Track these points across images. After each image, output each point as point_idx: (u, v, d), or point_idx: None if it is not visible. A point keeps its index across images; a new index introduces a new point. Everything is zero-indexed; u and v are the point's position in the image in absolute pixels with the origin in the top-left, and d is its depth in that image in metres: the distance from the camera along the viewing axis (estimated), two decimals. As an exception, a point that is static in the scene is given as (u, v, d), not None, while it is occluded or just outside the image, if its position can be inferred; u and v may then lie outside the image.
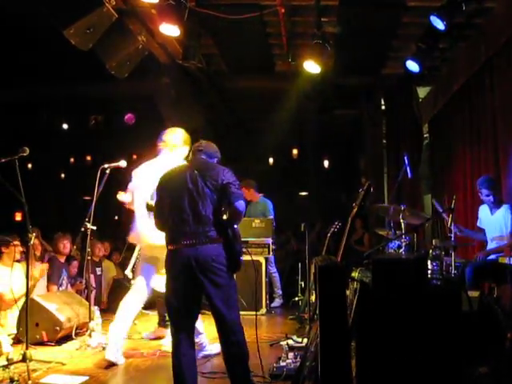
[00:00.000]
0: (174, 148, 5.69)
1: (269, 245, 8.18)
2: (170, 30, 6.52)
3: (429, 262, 4.17)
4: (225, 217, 4.17)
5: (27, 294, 5.38)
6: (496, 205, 6.27)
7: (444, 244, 5.29)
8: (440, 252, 4.39)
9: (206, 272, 4.04)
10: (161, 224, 4.40)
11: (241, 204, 4.15)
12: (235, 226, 4.29)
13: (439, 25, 6.62)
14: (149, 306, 8.11)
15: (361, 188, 3.53)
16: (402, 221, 5.76)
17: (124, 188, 5.87)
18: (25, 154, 5.12)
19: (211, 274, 4.05)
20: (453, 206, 5.50)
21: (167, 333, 5.94)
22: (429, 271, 4.04)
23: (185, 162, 4.66)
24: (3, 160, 4.99)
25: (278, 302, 8.92)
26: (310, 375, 3.08)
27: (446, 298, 3.44)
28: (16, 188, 4.94)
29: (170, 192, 4.30)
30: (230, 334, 4.12)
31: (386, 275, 3.13)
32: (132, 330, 6.80)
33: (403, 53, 8.51)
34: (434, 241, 4.97)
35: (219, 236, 4.13)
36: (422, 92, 10.38)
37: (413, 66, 7.88)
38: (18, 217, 12.91)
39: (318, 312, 2.82)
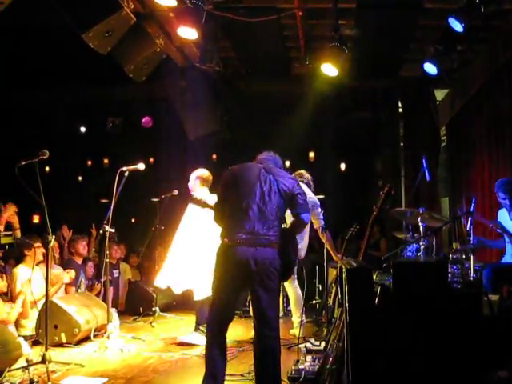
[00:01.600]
0: None
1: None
2: (187, 33, 6.54)
3: (448, 266, 4.15)
4: (287, 225, 4.29)
5: (47, 296, 5.42)
6: (513, 208, 6.19)
7: (464, 247, 5.25)
8: (460, 255, 4.36)
9: (262, 274, 4.04)
10: (220, 216, 4.39)
11: (307, 216, 4.27)
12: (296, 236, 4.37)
13: (457, 27, 6.57)
14: (166, 308, 8.19)
15: (381, 191, 3.53)
16: (420, 224, 5.74)
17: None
18: (44, 157, 5.16)
19: (265, 277, 4.05)
20: (472, 209, 5.46)
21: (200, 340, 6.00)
22: (449, 274, 4.02)
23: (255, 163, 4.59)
24: (23, 162, 5.03)
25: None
26: (330, 378, 3.06)
27: (467, 301, 3.42)
28: (35, 191, 4.98)
29: (238, 187, 4.28)
30: (268, 329, 4.12)
31: (406, 278, 3.11)
32: (150, 331, 6.85)
33: (421, 55, 8.46)
34: (454, 244, 4.93)
35: (277, 241, 4.14)
36: (440, 94, 10.32)
37: (430, 68, 7.84)
38: (36, 219, 13.00)
39: (344, 314, 2.79)
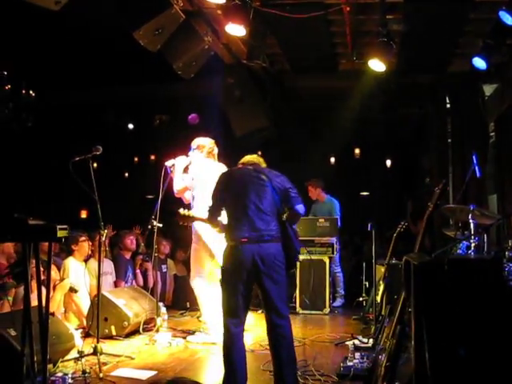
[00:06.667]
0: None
1: (333, 244, 8.13)
2: (235, 29, 6.58)
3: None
4: (284, 217, 4.44)
5: (98, 288, 5.53)
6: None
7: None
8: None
9: (269, 269, 4.20)
10: (217, 221, 4.59)
11: (301, 207, 4.51)
12: (294, 226, 4.56)
13: (508, 20, 6.44)
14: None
15: (436, 187, 3.50)
16: (470, 221, 5.65)
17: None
18: (98, 153, 5.27)
19: (272, 271, 4.21)
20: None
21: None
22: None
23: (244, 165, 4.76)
24: (77, 158, 5.14)
25: (339, 301, 8.86)
26: (384, 375, 3.05)
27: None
28: (88, 186, 5.09)
29: (233, 189, 4.50)
30: (279, 318, 4.25)
31: (461, 276, 3.06)
32: (197, 325, 6.91)
33: (469, 50, 8.31)
34: (510, 241, 4.84)
35: (278, 235, 4.33)
36: (488, 89, 10.10)
37: (480, 63, 7.69)
38: (84, 214, 13.27)
39: (412, 311, 2.76)
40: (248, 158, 4.78)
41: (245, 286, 4.26)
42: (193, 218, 5.12)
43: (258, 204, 4.33)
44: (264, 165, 4.75)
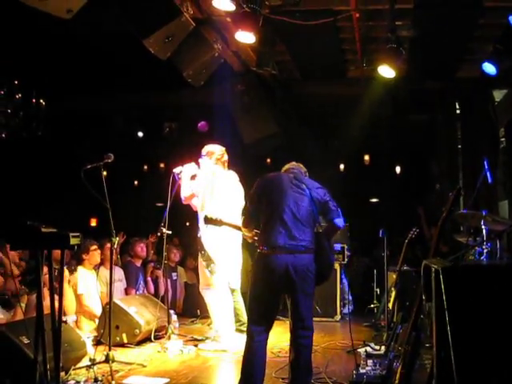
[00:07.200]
0: None
1: (344, 251, 8.11)
2: (245, 37, 6.59)
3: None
4: (320, 230, 4.37)
5: (110, 296, 5.53)
6: None
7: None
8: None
9: (301, 281, 4.15)
10: (252, 224, 4.52)
11: (340, 221, 4.41)
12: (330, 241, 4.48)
13: (518, 25, 6.43)
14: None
15: (450, 192, 3.49)
16: (483, 227, 5.62)
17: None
18: (110, 161, 5.28)
19: (304, 283, 4.17)
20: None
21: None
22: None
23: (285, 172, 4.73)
24: (89, 166, 5.14)
25: (349, 308, 8.84)
26: (399, 382, 3.02)
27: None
28: (99, 193, 5.09)
29: (270, 194, 4.40)
30: (305, 329, 4.24)
31: (486, 281, 3.01)
32: (208, 333, 6.89)
33: (479, 55, 8.28)
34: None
35: (313, 246, 4.25)
36: (498, 95, 10.08)
37: (490, 68, 7.66)
38: (93, 223, 13.28)
39: (434, 316, 2.74)
40: (290, 165, 4.72)
41: (274, 295, 4.23)
42: (221, 223, 5.12)
43: (295, 212, 4.25)
44: (306, 174, 4.70)
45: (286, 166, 4.72)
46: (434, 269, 2.79)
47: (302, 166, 4.74)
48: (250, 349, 4.23)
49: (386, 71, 7.53)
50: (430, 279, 2.82)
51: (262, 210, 4.39)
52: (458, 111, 10.40)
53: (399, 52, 7.14)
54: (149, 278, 8.27)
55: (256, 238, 4.48)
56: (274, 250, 4.18)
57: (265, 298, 4.21)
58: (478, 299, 2.70)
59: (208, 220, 5.11)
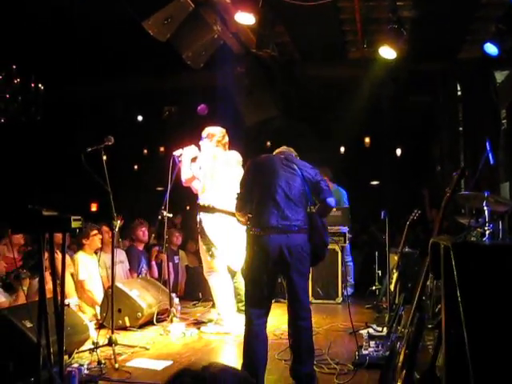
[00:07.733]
0: None
1: (345, 233, 8.08)
2: (244, 18, 6.56)
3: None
4: (314, 209, 4.34)
5: (112, 280, 5.53)
6: None
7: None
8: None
9: (296, 261, 4.14)
10: (246, 208, 4.43)
11: (332, 201, 4.43)
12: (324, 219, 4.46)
13: (521, 4, 6.38)
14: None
15: (454, 173, 3.47)
16: (485, 208, 5.59)
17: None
18: (110, 143, 5.25)
19: (299, 263, 4.15)
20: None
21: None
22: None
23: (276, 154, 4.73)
24: (89, 149, 5.11)
25: (349, 290, 8.84)
26: (403, 363, 3.02)
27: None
28: (100, 177, 5.07)
29: (261, 176, 4.39)
30: (302, 310, 4.24)
31: (489, 258, 2.99)
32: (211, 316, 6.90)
33: (481, 36, 8.22)
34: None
35: (307, 226, 4.23)
36: (500, 76, 10.02)
37: (491, 48, 7.59)
38: (94, 207, 13.26)
39: (442, 293, 2.72)
40: (281, 148, 4.72)
41: (270, 277, 4.20)
42: (214, 210, 5.10)
43: (288, 192, 4.23)
44: (297, 157, 4.67)
45: (277, 150, 4.72)
46: (443, 245, 2.77)
47: (292, 149, 4.72)
48: (251, 332, 4.21)
49: (387, 52, 7.49)
50: (438, 256, 2.80)
51: (254, 192, 4.36)
52: (459, 93, 10.33)
53: (400, 33, 7.09)
54: (153, 262, 8.27)
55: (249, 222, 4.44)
56: (267, 230, 4.15)
57: (261, 281, 4.17)
58: (490, 275, 2.69)
59: (201, 207, 5.10)
